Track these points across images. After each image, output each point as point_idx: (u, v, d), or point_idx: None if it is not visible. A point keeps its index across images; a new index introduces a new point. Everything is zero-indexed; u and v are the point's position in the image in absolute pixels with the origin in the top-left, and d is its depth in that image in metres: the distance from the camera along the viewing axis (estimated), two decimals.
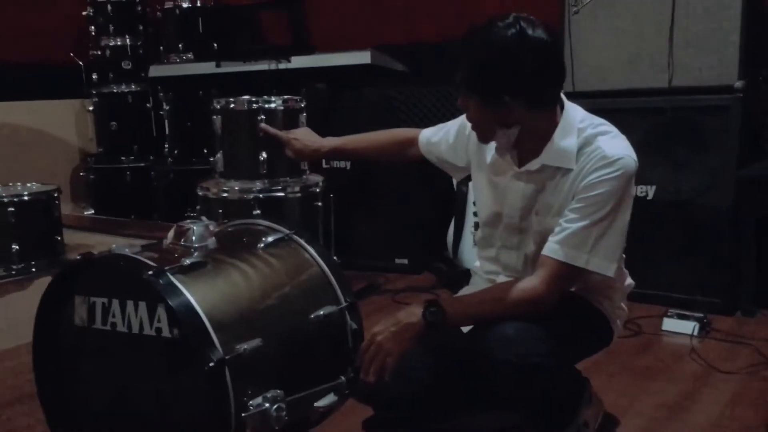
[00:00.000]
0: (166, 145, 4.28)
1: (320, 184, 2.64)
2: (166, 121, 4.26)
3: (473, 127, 1.65)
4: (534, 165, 1.61)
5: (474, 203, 3.11)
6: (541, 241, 1.59)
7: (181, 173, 4.20)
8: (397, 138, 2.02)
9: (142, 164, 4.52)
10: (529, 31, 1.48)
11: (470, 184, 2.78)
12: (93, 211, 4.58)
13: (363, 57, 3.21)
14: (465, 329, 1.70)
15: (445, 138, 1.87)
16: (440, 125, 1.91)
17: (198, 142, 4.17)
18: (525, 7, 1.64)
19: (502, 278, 1.72)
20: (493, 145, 1.67)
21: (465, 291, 1.82)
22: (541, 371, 1.49)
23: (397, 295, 3.07)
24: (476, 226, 3.10)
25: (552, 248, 1.55)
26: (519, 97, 1.52)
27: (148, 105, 4.59)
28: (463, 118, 1.76)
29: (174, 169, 4.23)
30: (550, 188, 1.61)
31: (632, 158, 1.55)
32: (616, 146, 1.55)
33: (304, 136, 2.21)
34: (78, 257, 1.60)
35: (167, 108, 4.21)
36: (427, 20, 3.84)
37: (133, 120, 4.56)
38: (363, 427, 1.80)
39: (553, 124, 1.59)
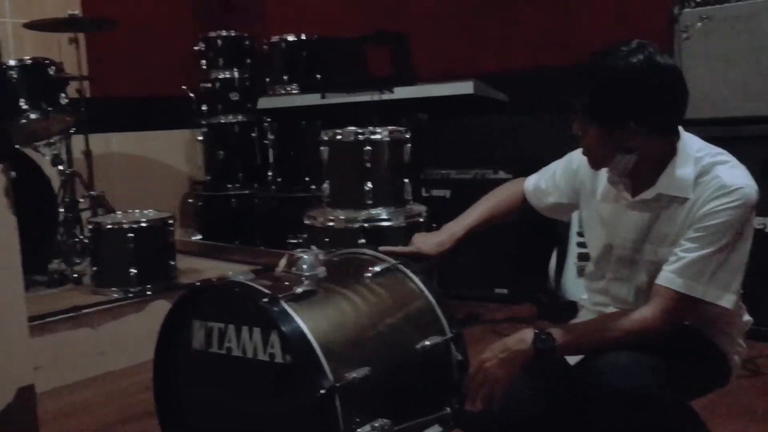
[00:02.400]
0: (270, 174, 4.43)
1: (423, 213, 2.66)
2: (270, 150, 4.42)
3: (588, 154, 1.61)
4: (649, 194, 1.58)
5: (578, 234, 3.05)
6: (654, 272, 1.56)
7: (283, 201, 4.33)
8: (506, 201, 1.94)
9: (247, 192, 4.68)
10: (658, 57, 1.48)
11: (573, 213, 2.73)
12: (200, 237, 4.77)
13: (466, 87, 3.23)
14: (571, 361, 1.67)
15: (552, 181, 1.84)
16: (542, 170, 1.89)
17: (300, 171, 4.29)
18: (630, 33, 1.62)
19: (611, 310, 1.68)
20: (603, 176, 1.65)
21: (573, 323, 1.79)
22: (655, 403, 1.44)
23: (497, 326, 3.04)
24: (580, 256, 3.03)
25: (667, 277, 1.51)
26: (644, 123, 1.50)
27: (253, 135, 4.77)
28: (567, 158, 1.77)
29: (277, 197, 4.36)
30: (665, 218, 1.57)
31: (753, 188, 1.51)
32: (735, 176, 1.51)
33: (424, 242, 1.97)
34: (197, 284, 1.67)
35: (272, 138, 4.37)
36: (524, 48, 3.82)
37: (239, 149, 4.75)
38: None
39: (671, 152, 1.56)
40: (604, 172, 1.65)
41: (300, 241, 4.11)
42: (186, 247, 4.21)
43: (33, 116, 3.18)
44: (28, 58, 3.28)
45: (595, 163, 1.62)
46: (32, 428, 1.48)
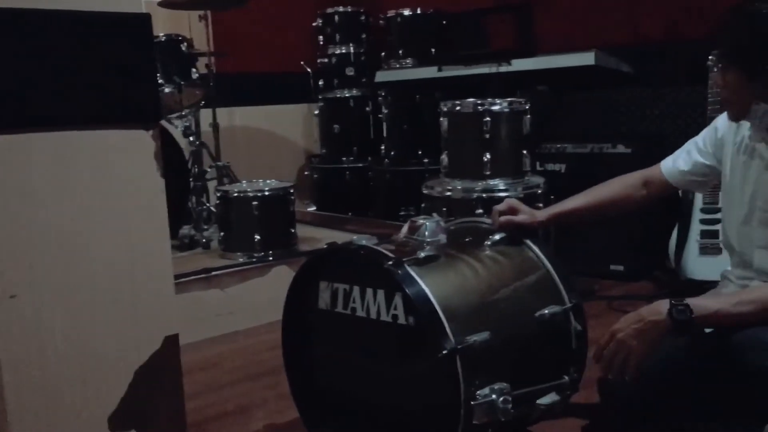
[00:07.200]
0: (383, 147, 4.51)
1: (541, 185, 2.65)
2: (384, 124, 4.49)
3: (727, 103, 1.62)
4: None
5: (702, 211, 2.95)
6: None
7: (396, 174, 4.39)
8: (620, 188, 1.93)
9: (361, 165, 4.78)
10: None
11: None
12: (315, 208, 4.93)
13: (587, 58, 3.14)
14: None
15: (695, 158, 1.82)
16: (676, 153, 1.88)
17: (414, 144, 4.34)
18: None
19: (756, 284, 1.63)
20: (746, 141, 1.64)
21: (710, 294, 1.75)
22: None
23: (613, 302, 2.99)
24: (703, 234, 2.94)
25: None
26: None
27: (367, 109, 4.86)
28: (710, 126, 1.77)
29: (390, 170, 4.42)
30: None
31: None
32: None
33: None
34: (324, 246, 1.75)
35: (386, 111, 4.44)
36: (653, 19, 3.68)
37: (354, 123, 4.85)
38: None
39: None
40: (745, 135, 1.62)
41: (412, 213, 4.19)
42: (302, 217, 4.36)
43: (167, 90, 3.39)
44: (162, 34, 3.48)
45: (734, 113, 1.61)
46: (177, 374, 1.60)
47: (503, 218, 1.82)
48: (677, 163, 1.85)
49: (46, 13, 1.35)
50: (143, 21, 1.47)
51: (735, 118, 1.63)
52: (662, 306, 1.51)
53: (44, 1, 1.35)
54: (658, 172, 1.89)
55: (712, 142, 1.78)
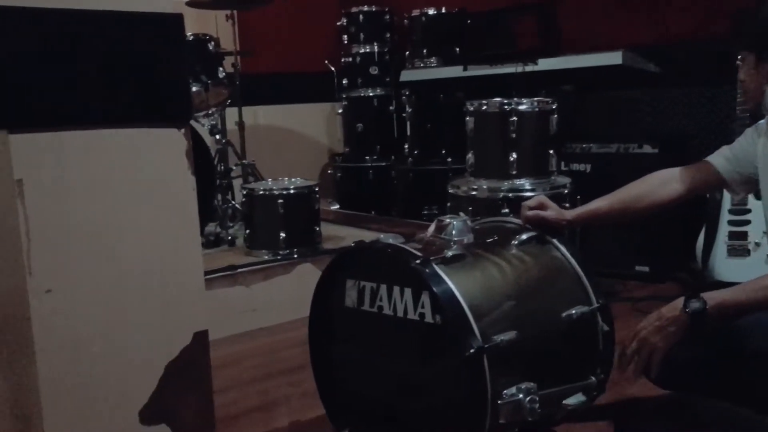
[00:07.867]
0: (407, 146, 4.51)
1: (568, 185, 2.64)
2: (408, 123, 4.49)
3: (745, 91, 1.66)
4: None
5: (731, 211, 2.92)
6: None
7: (419, 173, 4.39)
8: (647, 185, 1.92)
9: (384, 164, 4.79)
10: None
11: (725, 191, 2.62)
12: (338, 206, 4.94)
13: (614, 58, 3.12)
14: None
15: (740, 154, 1.80)
16: (719, 150, 1.86)
17: (437, 144, 4.33)
18: None
19: None
20: None
21: None
22: None
23: (638, 303, 2.96)
24: (731, 235, 2.91)
25: None
26: None
27: (391, 108, 4.86)
28: (751, 128, 1.78)
29: (413, 169, 4.42)
30: None
31: None
32: None
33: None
34: (352, 245, 1.76)
35: (409, 111, 4.43)
36: (679, 18, 3.65)
37: (377, 122, 4.85)
38: None
39: None
40: None
41: (435, 212, 4.19)
42: (325, 216, 4.37)
43: (195, 89, 3.41)
44: (190, 34, 3.51)
45: (752, 101, 1.65)
46: (206, 370, 1.62)
47: (531, 213, 1.82)
48: (727, 156, 1.82)
49: (79, 13, 1.38)
50: (176, 21, 1.49)
51: (753, 106, 1.66)
52: (678, 301, 1.54)
53: (78, 1, 1.37)
54: (707, 166, 1.85)
55: (753, 140, 1.76)
